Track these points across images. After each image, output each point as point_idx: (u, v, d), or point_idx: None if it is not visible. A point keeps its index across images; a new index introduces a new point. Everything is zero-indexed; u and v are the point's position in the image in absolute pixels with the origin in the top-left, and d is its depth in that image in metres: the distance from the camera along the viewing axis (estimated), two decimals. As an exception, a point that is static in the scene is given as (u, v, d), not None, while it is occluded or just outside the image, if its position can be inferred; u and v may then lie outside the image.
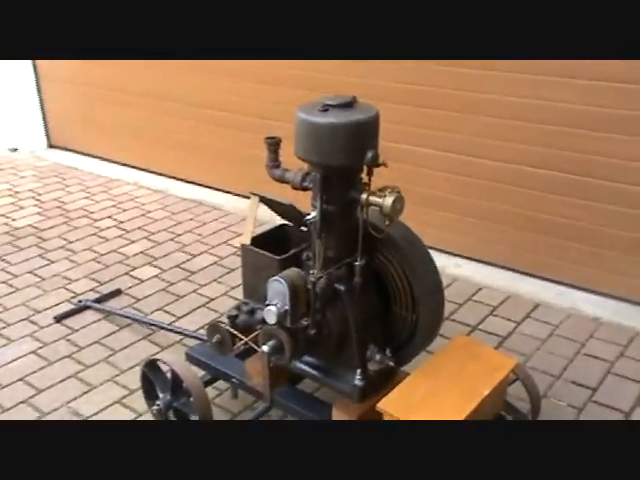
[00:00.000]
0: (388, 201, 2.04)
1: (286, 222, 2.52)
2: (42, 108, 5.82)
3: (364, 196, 2.08)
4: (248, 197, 2.48)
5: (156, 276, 3.78)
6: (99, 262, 3.94)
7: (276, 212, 2.47)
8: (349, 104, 2.11)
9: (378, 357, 2.25)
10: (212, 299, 3.53)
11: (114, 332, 3.25)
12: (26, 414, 2.69)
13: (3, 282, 3.71)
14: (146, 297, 3.56)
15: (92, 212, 4.64)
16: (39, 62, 5.64)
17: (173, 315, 3.38)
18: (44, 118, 5.86)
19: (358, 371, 2.24)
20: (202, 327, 3.18)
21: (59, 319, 3.34)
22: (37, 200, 4.84)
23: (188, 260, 3.97)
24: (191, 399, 2.39)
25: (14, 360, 3.03)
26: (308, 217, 2.14)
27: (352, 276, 2.19)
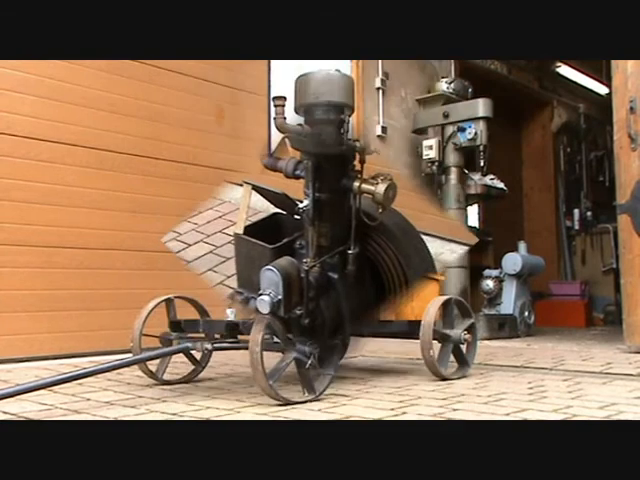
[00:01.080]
0: (380, 189, 2.03)
1: (279, 210, 2.50)
2: None
3: (356, 184, 2.07)
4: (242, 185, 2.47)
5: (151, 265, 3.76)
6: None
7: (269, 201, 2.45)
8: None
9: (372, 345, 2.24)
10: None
11: (109, 322, 3.23)
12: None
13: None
14: (141, 287, 3.55)
15: (87, 202, 4.60)
16: None
17: (168, 304, 3.37)
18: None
19: (352, 359, 2.23)
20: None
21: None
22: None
23: (183, 249, 3.94)
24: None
25: None
26: (301, 205, 2.13)
27: (345, 264, 2.18)
